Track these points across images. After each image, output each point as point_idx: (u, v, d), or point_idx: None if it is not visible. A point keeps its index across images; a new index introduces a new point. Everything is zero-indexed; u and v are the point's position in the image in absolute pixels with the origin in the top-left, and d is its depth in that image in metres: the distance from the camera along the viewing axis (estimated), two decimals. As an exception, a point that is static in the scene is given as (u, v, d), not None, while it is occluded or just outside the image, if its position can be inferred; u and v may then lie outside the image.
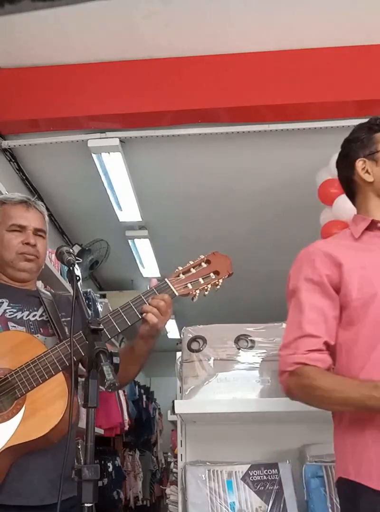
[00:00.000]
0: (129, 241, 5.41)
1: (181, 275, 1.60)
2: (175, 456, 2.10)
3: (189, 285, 1.59)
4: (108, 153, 3.75)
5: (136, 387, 6.95)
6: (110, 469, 5.31)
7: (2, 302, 1.70)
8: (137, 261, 5.96)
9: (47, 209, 4.74)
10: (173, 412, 2.87)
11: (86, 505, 1.10)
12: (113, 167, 3.95)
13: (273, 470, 1.75)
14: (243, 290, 6.79)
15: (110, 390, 1.17)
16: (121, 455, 6.23)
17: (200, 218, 5.09)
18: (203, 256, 1.63)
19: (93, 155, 3.80)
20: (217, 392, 1.75)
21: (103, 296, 5.74)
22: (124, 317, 1.55)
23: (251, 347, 1.82)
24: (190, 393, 1.76)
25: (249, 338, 1.82)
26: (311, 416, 1.78)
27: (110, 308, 4.94)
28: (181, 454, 1.86)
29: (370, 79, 3.25)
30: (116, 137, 3.64)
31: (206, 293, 1.61)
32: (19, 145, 3.78)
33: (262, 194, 4.59)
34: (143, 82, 3.34)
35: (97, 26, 3.09)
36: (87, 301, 4.40)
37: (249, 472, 1.74)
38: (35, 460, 1.52)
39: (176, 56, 3.31)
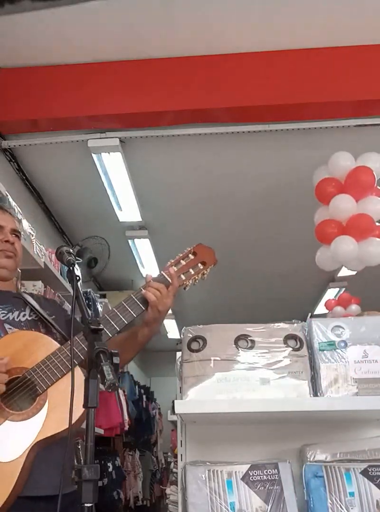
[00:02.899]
0: (129, 241, 5.41)
1: (174, 267, 1.71)
2: (175, 456, 2.10)
3: (182, 276, 1.72)
4: (108, 153, 3.75)
5: (136, 387, 6.95)
6: (110, 469, 5.30)
7: None
8: (137, 261, 5.96)
9: (47, 209, 4.77)
10: (173, 412, 2.87)
11: (86, 505, 1.10)
12: (113, 167, 3.95)
13: (273, 470, 1.75)
14: (242, 290, 6.80)
15: (110, 390, 1.17)
16: (121, 455, 6.22)
17: (199, 217, 5.09)
18: (189, 248, 1.75)
19: (93, 155, 3.80)
20: (217, 392, 1.75)
21: (103, 296, 5.74)
22: (129, 309, 1.64)
23: (251, 347, 1.81)
24: (190, 393, 1.76)
25: (249, 338, 1.82)
26: (311, 416, 1.78)
27: (110, 308, 4.93)
28: (181, 454, 1.86)
29: (370, 79, 3.25)
30: (116, 137, 3.64)
31: (196, 283, 1.74)
32: (19, 145, 3.78)
33: (261, 193, 4.59)
34: (143, 82, 3.34)
35: (97, 26, 3.09)
36: (87, 301, 4.40)
37: (249, 472, 1.74)
38: (50, 452, 1.55)
39: (176, 56, 3.31)
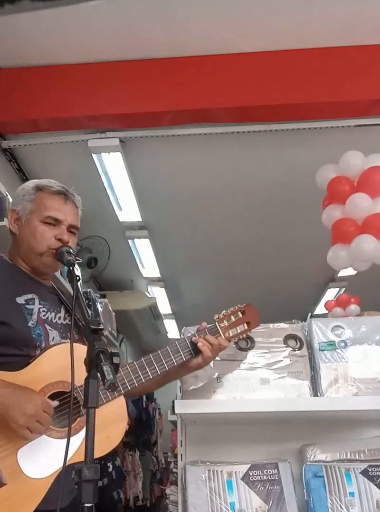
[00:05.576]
0: (129, 241, 5.41)
1: (225, 322, 1.73)
2: (175, 456, 2.10)
3: (230, 331, 1.73)
4: (108, 153, 3.75)
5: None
6: (110, 469, 5.30)
7: (34, 299, 1.65)
8: (137, 261, 5.96)
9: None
10: (173, 412, 2.87)
11: (86, 505, 1.09)
12: (113, 167, 3.95)
13: (273, 470, 1.75)
14: (242, 290, 6.79)
15: (110, 390, 1.17)
16: (121, 455, 6.22)
17: (199, 218, 5.09)
18: (240, 306, 1.78)
19: (93, 155, 3.80)
20: (217, 392, 1.75)
21: (103, 296, 5.74)
22: (181, 351, 1.66)
23: (251, 347, 1.82)
24: (190, 393, 1.76)
25: (249, 338, 1.83)
26: (311, 416, 1.78)
27: (110, 308, 4.93)
28: (181, 454, 1.86)
29: (370, 79, 3.25)
30: (116, 137, 3.64)
31: (236, 340, 1.78)
32: (19, 145, 3.78)
33: (261, 193, 4.59)
34: (143, 82, 3.34)
35: (97, 26, 3.09)
36: (87, 301, 4.39)
37: (249, 472, 1.75)
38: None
39: (176, 56, 3.31)
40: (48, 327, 1.63)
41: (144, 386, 1.69)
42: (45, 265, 1.68)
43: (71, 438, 1.42)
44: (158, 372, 1.61)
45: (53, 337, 1.63)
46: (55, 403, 1.46)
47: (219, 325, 1.71)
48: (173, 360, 1.64)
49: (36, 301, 1.64)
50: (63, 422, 1.48)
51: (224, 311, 1.76)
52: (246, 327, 1.75)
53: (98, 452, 1.30)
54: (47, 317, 1.65)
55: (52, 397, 1.49)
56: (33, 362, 1.52)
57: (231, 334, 1.73)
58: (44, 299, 1.67)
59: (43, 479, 1.43)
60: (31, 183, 1.75)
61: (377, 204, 3.17)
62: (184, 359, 1.65)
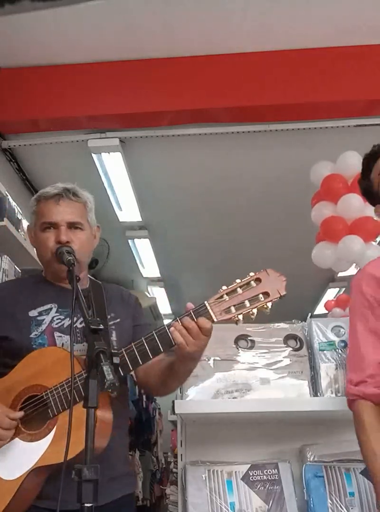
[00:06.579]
0: (129, 241, 5.41)
1: (225, 296, 1.41)
2: (175, 456, 2.10)
3: (232, 308, 1.39)
4: (108, 153, 3.75)
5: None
6: (110, 469, 5.29)
7: (51, 308, 1.64)
8: (137, 261, 5.96)
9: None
10: (173, 412, 2.87)
11: (86, 505, 1.09)
12: (113, 167, 3.95)
13: (273, 470, 1.76)
14: (243, 290, 6.77)
15: (110, 390, 1.16)
16: (121, 455, 6.22)
17: (199, 217, 5.09)
18: (253, 274, 1.42)
19: (93, 155, 3.80)
20: (217, 392, 1.75)
21: (103, 296, 5.73)
22: (158, 341, 1.43)
23: (251, 347, 1.82)
24: (190, 393, 1.76)
25: (248, 338, 1.83)
26: (311, 416, 1.78)
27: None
28: (181, 454, 1.86)
29: (370, 79, 3.25)
30: (116, 137, 3.64)
31: (253, 317, 1.40)
32: (19, 145, 3.78)
33: (261, 194, 4.59)
34: (143, 82, 3.34)
35: (97, 26, 3.08)
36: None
37: (249, 472, 1.75)
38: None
39: (176, 56, 3.31)
40: (57, 335, 1.61)
41: (147, 381, 1.65)
42: (58, 271, 1.64)
43: (39, 442, 1.45)
44: (131, 369, 1.46)
45: (63, 344, 1.61)
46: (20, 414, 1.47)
47: (209, 303, 1.41)
48: (149, 354, 1.43)
49: (53, 310, 1.64)
50: (34, 425, 1.48)
51: (226, 286, 1.43)
52: (262, 299, 1.38)
53: (71, 453, 1.28)
54: (62, 324, 1.63)
55: (27, 400, 1.50)
56: (14, 368, 1.53)
57: (233, 312, 1.38)
58: (65, 305, 1.64)
59: (12, 480, 1.44)
60: (34, 196, 1.74)
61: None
62: (162, 350, 1.43)
